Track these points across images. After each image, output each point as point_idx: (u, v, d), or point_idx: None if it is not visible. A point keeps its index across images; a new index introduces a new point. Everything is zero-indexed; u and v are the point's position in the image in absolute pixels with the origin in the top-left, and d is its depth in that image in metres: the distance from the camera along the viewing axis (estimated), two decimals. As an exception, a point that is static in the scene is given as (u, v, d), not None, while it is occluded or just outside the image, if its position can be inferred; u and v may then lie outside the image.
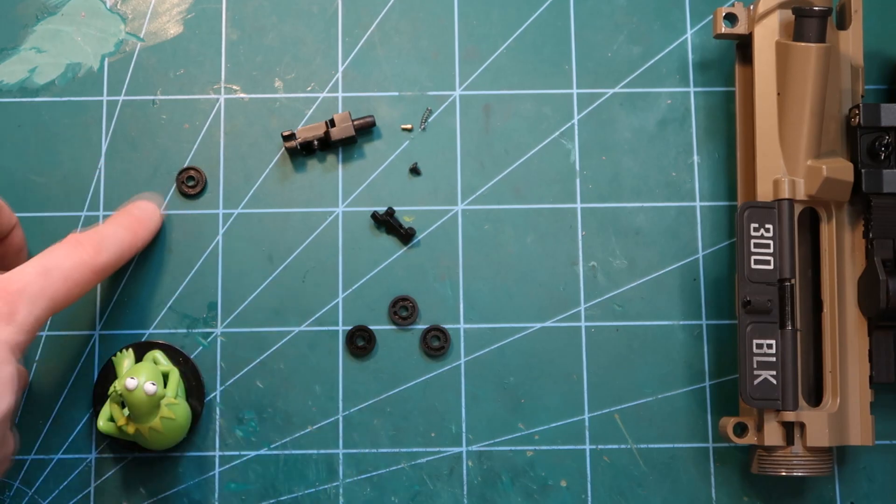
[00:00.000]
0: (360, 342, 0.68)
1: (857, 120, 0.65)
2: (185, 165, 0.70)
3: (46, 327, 0.68)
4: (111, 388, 0.63)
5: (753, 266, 0.63)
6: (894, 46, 0.71)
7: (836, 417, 0.63)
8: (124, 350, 0.66)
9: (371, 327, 0.68)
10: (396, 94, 0.71)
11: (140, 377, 0.60)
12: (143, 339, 0.68)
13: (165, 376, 0.65)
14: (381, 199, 0.70)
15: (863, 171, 0.64)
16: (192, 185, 0.70)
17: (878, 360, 0.65)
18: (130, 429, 0.62)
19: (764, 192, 0.65)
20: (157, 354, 0.66)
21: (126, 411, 0.62)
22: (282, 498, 0.67)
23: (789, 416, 0.63)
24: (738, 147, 0.69)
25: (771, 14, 0.66)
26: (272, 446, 0.68)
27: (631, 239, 0.70)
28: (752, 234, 0.64)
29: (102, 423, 0.63)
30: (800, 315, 0.64)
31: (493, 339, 0.68)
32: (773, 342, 0.63)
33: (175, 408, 0.63)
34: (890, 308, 0.63)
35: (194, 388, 0.67)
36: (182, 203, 0.69)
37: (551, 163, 0.70)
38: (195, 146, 0.70)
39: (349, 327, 0.68)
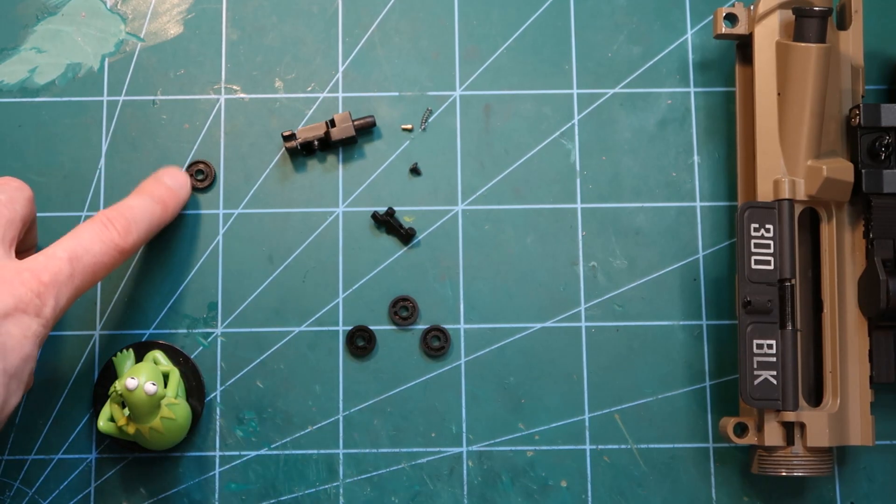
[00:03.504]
0: (360, 342, 0.68)
1: (858, 120, 0.65)
2: (194, 159, 0.70)
3: (46, 327, 0.68)
4: (111, 388, 0.63)
5: (753, 266, 0.63)
6: (894, 46, 0.71)
7: (836, 417, 0.63)
8: (124, 350, 0.66)
9: (371, 327, 0.68)
10: (396, 94, 0.71)
11: (140, 377, 0.60)
12: (143, 339, 0.68)
13: (165, 376, 0.65)
14: (382, 199, 0.70)
15: (863, 171, 0.64)
16: (200, 178, 0.70)
17: (878, 360, 0.65)
18: (130, 429, 0.62)
19: (764, 192, 0.65)
20: (157, 354, 0.66)
21: (126, 411, 0.62)
22: (282, 498, 0.67)
23: (789, 416, 0.63)
24: (738, 147, 0.69)
25: (771, 14, 0.66)
26: (272, 446, 0.67)
27: (631, 239, 0.70)
28: (753, 234, 0.64)
29: (102, 423, 0.63)
30: (800, 315, 0.64)
31: (493, 339, 0.68)
32: (773, 342, 0.63)
33: (175, 408, 0.63)
34: (890, 308, 0.63)
35: (194, 388, 0.67)
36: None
37: (551, 163, 0.70)
38: (195, 146, 0.70)
39: (349, 327, 0.68)
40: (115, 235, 0.59)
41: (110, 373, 0.67)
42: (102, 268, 0.59)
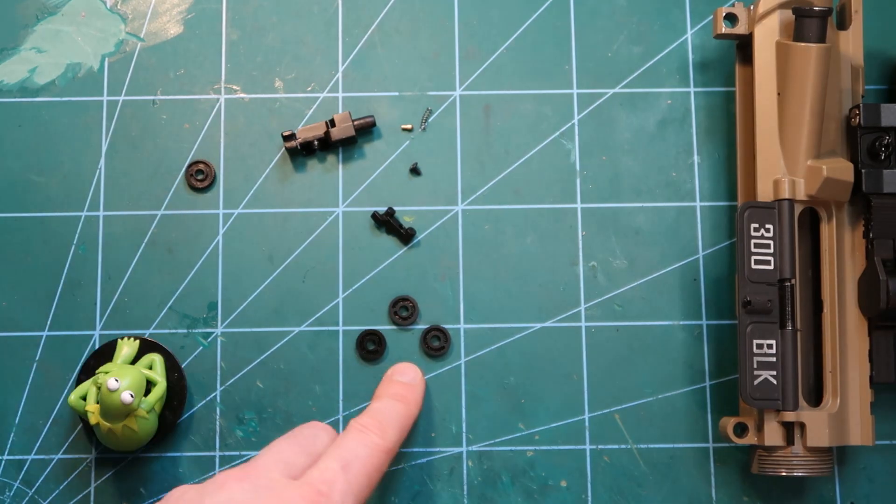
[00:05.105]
0: (371, 346, 0.68)
1: (857, 120, 0.65)
2: (194, 159, 0.70)
3: (46, 327, 0.68)
4: (100, 369, 0.63)
5: (753, 266, 0.63)
6: (894, 46, 0.71)
7: (836, 417, 0.63)
8: (132, 339, 0.66)
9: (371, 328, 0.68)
10: (396, 94, 0.71)
11: (124, 381, 0.60)
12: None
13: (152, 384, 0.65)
14: (381, 199, 0.70)
15: (863, 171, 0.64)
16: (200, 178, 0.70)
17: (878, 360, 0.65)
18: (93, 418, 0.61)
19: (764, 192, 0.65)
20: (156, 360, 0.66)
21: (98, 399, 0.62)
22: (282, 498, 0.67)
23: (789, 416, 0.63)
24: (738, 147, 0.69)
25: (771, 14, 0.66)
26: (272, 446, 0.67)
27: (631, 239, 0.70)
28: (753, 234, 0.64)
29: (74, 397, 0.63)
30: (800, 315, 0.64)
31: (493, 339, 0.68)
32: (773, 342, 0.63)
33: (142, 422, 0.62)
34: (890, 308, 0.63)
35: (175, 406, 0.66)
36: (188, 198, 0.69)
37: (551, 163, 0.70)
38: (195, 146, 0.70)
39: (349, 327, 0.68)
40: (375, 437, 0.60)
41: (110, 349, 0.66)
42: (374, 470, 0.59)
